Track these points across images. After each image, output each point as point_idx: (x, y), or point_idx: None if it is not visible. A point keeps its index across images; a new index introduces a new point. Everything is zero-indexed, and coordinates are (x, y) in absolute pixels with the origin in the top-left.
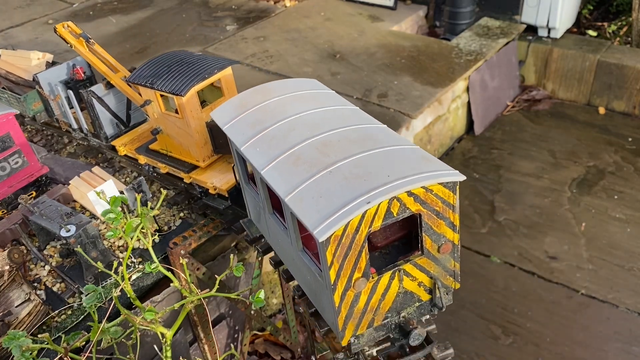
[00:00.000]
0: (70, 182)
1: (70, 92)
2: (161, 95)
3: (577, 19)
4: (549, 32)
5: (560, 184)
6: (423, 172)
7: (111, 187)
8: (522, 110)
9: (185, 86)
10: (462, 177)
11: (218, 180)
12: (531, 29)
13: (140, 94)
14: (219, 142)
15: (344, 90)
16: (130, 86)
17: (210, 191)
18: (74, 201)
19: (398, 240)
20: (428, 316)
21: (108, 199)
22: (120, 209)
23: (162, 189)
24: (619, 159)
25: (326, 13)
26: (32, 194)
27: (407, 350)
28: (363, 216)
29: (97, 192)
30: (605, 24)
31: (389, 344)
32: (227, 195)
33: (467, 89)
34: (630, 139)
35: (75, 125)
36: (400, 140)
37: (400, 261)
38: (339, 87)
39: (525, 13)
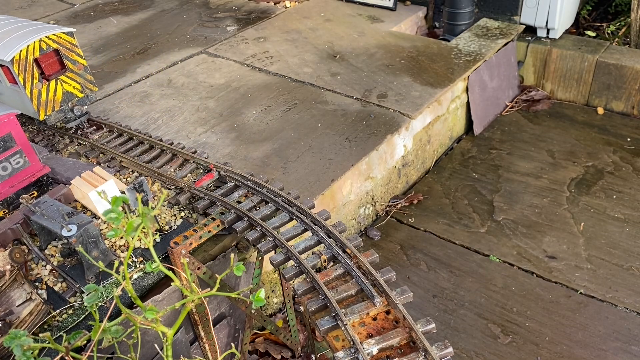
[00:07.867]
0: (71, 182)
1: None
2: None
3: (575, 20)
4: (547, 33)
5: (559, 184)
6: (55, 28)
7: (112, 187)
8: (521, 110)
9: None
10: (74, 29)
11: None
12: (530, 30)
13: None
14: None
15: (344, 91)
16: None
17: None
18: (75, 201)
19: (60, 68)
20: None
21: (109, 199)
22: (121, 208)
23: (163, 189)
24: (617, 159)
25: (326, 14)
26: (33, 193)
27: (76, 118)
28: (27, 49)
29: (99, 192)
30: (604, 24)
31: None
32: None
33: (467, 90)
34: (628, 139)
35: None
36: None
37: (59, 75)
38: (339, 87)
39: (524, 14)
